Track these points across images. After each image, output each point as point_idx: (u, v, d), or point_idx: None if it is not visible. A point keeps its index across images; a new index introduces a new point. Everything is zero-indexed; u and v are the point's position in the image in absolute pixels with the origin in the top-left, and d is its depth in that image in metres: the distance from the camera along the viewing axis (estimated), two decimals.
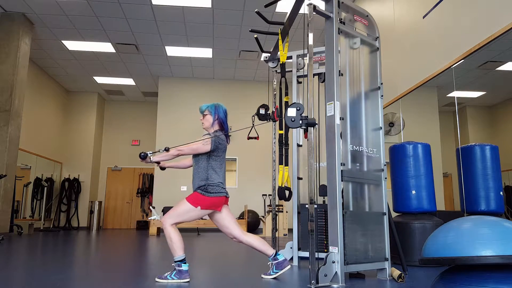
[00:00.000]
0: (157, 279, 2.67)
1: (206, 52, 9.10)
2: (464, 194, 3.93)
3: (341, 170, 2.71)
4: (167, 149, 2.73)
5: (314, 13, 2.82)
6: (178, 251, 2.67)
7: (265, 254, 2.86)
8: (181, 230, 10.04)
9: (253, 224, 9.65)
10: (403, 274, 2.71)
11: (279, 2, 6.35)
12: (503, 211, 3.82)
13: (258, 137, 3.35)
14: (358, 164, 2.97)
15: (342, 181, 2.71)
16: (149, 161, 2.75)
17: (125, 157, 12.26)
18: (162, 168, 2.94)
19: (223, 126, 2.94)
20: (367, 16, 3.23)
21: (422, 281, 2.74)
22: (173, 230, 2.68)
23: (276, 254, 2.85)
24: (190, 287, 2.47)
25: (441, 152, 9.93)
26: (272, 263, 2.85)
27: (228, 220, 2.83)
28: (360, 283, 2.65)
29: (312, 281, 2.44)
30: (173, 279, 2.65)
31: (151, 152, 2.76)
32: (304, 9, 3.07)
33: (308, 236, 3.40)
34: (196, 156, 2.85)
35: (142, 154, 2.70)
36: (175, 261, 2.68)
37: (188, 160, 2.99)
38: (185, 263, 2.68)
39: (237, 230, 2.82)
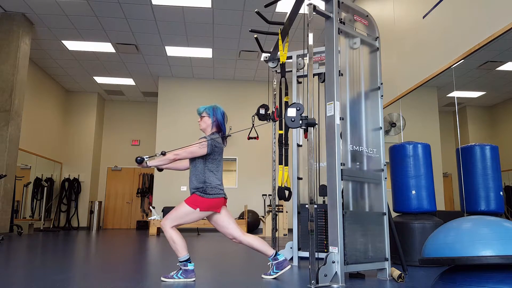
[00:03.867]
0: (162, 278, 2.67)
1: (206, 52, 9.10)
2: (464, 194, 3.93)
3: (341, 169, 2.71)
4: (163, 153, 2.73)
5: (314, 13, 2.82)
6: (182, 252, 2.68)
7: (265, 254, 2.86)
8: (181, 230, 10.04)
9: (253, 224, 9.65)
10: (403, 274, 2.71)
11: (279, 2, 6.35)
12: (503, 211, 3.82)
13: (258, 137, 3.35)
14: (358, 164, 2.97)
15: (342, 180, 2.71)
16: (146, 165, 2.74)
17: (125, 157, 12.26)
18: (160, 170, 2.93)
19: (221, 128, 2.94)
20: (367, 16, 3.23)
21: (422, 281, 2.74)
22: (173, 231, 2.69)
23: (276, 254, 2.85)
24: (194, 287, 2.47)
25: (441, 152, 9.94)
26: (272, 263, 2.85)
27: (227, 221, 2.82)
28: (360, 283, 2.65)
29: (312, 281, 2.44)
30: (180, 278, 2.65)
31: (147, 156, 2.75)
32: (304, 9, 3.07)
33: (308, 236, 3.40)
34: (193, 159, 2.84)
35: (139, 158, 2.70)
36: (180, 261, 2.68)
37: (186, 162, 2.98)
38: (190, 262, 2.69)
39: (237, 231, 2.82)
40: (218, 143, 2.83)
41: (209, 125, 2.92)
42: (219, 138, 2.87)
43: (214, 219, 2.85)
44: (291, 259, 3.68)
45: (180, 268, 2.68)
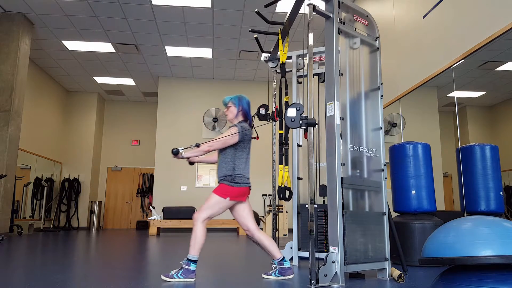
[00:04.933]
0: (163, 276, 2.68)
1: (206, 52, 9.10)
2: (464, 194, 3.93)
3: (341, 178, 2.71)
4: (197, 145, 2.78)
5: (314, 13, 2.82)
6: (195, 251, 2.69)
7: (272, 255, 2.85)
8: (181, 230, 10.04)
9: None
10: (403, 274, 2.71)
11: (279, 2, 6.35)
12: (503, 211, 3.82)
13: (258, 137, 3.35)
14: (358, 171, 2.97)
15: (342, 188, 2.71)
16: (181, 157, 2.78)
17: (125, 157, 12.26)
18: (191, 163, 2.96)
19: (247, 117, 3.01)
20: (367, 16, 3.23)
21: (422, 281, 2.74)
22: (202, 228, 2.71)
23: (283, 259, 2.84)
24: (195, 287, 2.47)
25: (441, 152, 9.94)
26: (276, 267, 2.83)
27: (247, 212, 2.87)
28: (360, 283, 2.65)
29: (312, 281, 2.44)
30: (180, 278, 2.65)
31: (182, 148, 2.79)
32: (304, 9, 3.07)
33: (308, 236, 3.40)
34: (197, 145, 2.88)
35: (175, 150, 2.73)
36: (187, 259, 2.68)
37: (215, 154, 3.04)
38: (195, 263, 2.69)
39: (253, 224, 2.86)
40: (247, 130, 2.89)
41: (235, 114, 2.98)
42: (247, 125, 2.93)
43: (235, 208, 2.88)
44: (291, 259, 3.68)
45: (182, 267, 2.68)
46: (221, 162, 2.87)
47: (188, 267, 2.67)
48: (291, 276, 2.83)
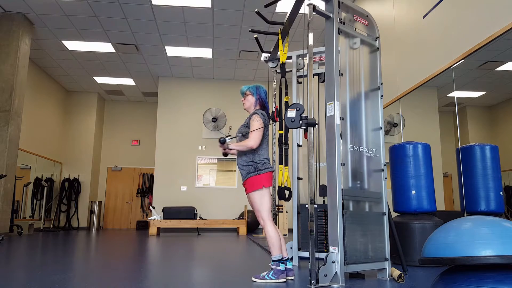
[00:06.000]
0: (253, 279, 2.66)
1: (206, 52, 9.10)
2: (464, 194, 3.93)
3: (342, 189, 2.70)
4: (242, 135, 2.84)
5: (314, 13, 2.82)
6: (275, 250, 2.68)
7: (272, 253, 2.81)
8: (181, 230, 10.04)
9: (253, 224, 9.65)
10: (403, 274, 2.71)
11: (279, 2, 6.35)
12: (503, 211, 3.82)
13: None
14: (358, 182, 2.96)
15: (342, 199, 2.70)
16: (226, 147, 2.80)
17: (125, 157, 12.26)
18: (225, 155, 2.95)
19: (265, 105, 3.03)
20: (367, 16, 3.23)
21: (422, 281, 2.74)
22: (271, 227, 2.71)
23: (281, 260, 2.72)
24: (193, 287, 2.47)
25: (441, 152, 9.94)
26: (271, 267, 2.78)
27: (266, 200, 2.80)
28: (360, 283, 2.65)
29: (312, 281, 2.44)
30: (271, 279, 2.63)
31: (229, 138, 2.80)
32: (304, 9, 3.07)
33: (308, 236, 3.40)
34: (244, 134, 2.90)
35: (222, 139, 2.75)
36: (273, 261, 2.67)
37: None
38: (283, 262, 2.67)
39: (268, 214, 2.78)
40: (264, 116, 2.91)
41: (252, 103, 3.00)
42: (264, 112, 2.95)
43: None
44: (291, 259, 3.68)
45: (271, 268, 2.66)
46: (242, 151, 2.87)
47: (278, 267, 2.66)
48: (284, 280, 2.68)
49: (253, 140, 2.77)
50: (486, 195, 3.79)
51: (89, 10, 7.15)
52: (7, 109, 7.22)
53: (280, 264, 2.66)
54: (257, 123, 2.81)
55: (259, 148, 2.85)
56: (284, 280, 2.66)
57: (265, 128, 2.89)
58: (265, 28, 7.68)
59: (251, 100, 3.00)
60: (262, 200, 2.75)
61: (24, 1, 6.93)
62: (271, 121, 3.43)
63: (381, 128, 3.14)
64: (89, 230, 10.48)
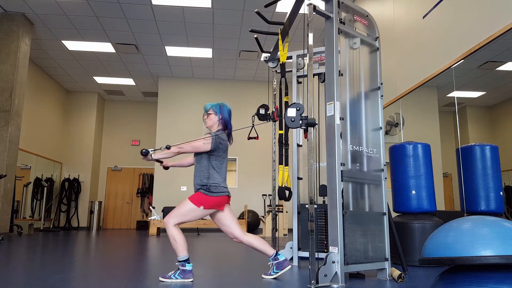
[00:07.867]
0: (161, 278, 2.67)
1: (206, 52, 9.10)
2: (464, 194, 3.93)
3: (341, 170, 2.71)
4: (168, 147, 2.73)
5: (314, 13, 2.82)
6: (182, 251, 2.68)
7: (265, 254, 2.86)
8: (181, 230, 10.03)
9: (253, 224, 9.65)
10: (403, 274, 2.71)
11: (279, 2, 6.35)
12: (503, 211, 3.82)
13: (258, 137, 3.35)
14: (358, 165, 2.97)
15: (342, 181, 2.71)
16: (150, 158, 2.73)
17: (125, 157, 12.26)
18: (166, 168, 2.93)
19: (227, 126, 2.95)
20: (367, 16, 3.23)
21: (422, 281, 2.74)
22: (176, 230, 2.69)
23: (276, 254, 2.85)
24: (193, 287, 2.47)
25: (441, 152, 9.94)
26: (272, 263, 2.85)
27: (229, 220, 2.83)
28: (360, 283, 2.65)
29: (312, 281, 2.44)
30: (177, 278, 2.66)
31: (152, 149, 2.75)
32: (304, 9, 3.07)
33: (308, 236, 3.40)
34: (197, 155, 2.86)
35: (144, 150, 2.69)
36: (179, 261, 2.68)
37: (190, 158, 3.01)
38: (189, 263, 2.69)
39: (238, 230, 2.83)
40: (223, 140, 2.83)
41: (215, 123, 2.92)
42: (224, 135, 2.86)
43: (217, 217, 2.85)
44: (291, 259, 3.68)
45: (178, 268, 2.68)
46: (196, 171, 2.82)
47: (184, 268, 2.67)
48: (289, 267, 2.83)
49: (179, 146, 2.72)
50: (486, 195, 3.79)
51: (89, 10, 7.15)
52: (7, 109, 7.22)
53: (186, 264, 2.67)
54: (202, 141, 2.73)
55: (213, 171, 2.77)
56: (191, 280, 2.67)
57: (222, 150, 2.83)
58: (265, 28, 7.68)
59: (213, 119, 2.91)
60: (188, 214, 2.69)
61: (24, 1, 6.93)
62: (270, 120, 3.43)
63: (381, 128, 3.14)
64: (89, 230, 10.47)
